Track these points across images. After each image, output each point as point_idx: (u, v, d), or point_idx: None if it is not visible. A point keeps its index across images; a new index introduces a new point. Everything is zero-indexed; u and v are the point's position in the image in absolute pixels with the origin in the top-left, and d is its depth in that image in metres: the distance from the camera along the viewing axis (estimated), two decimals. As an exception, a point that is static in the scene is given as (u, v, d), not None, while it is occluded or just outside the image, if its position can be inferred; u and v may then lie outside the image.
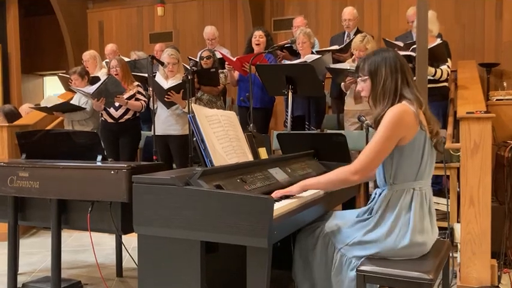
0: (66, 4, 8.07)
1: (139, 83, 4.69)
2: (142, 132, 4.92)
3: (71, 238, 4.37)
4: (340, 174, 2.01)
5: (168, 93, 4.19)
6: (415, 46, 4.27)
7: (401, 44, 4.66)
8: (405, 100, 1.98)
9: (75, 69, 4.99)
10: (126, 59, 5.22)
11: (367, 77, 2.05)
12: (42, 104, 5.10)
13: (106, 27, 8.49)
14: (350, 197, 3.08)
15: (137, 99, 4.54)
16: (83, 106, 4.79)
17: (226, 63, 4.86)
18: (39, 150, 3.03)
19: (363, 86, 2.08)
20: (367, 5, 6.68)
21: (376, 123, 2.01)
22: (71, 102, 4.89)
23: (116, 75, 4.51)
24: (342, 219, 2.17)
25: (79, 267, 3.66)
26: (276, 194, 2.05)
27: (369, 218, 2.05)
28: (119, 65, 4.54)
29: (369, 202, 2.13)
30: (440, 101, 4.38)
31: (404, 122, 1.93)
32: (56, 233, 2.76)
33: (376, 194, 2.09)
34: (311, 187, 2.14)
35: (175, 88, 4.16)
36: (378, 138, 1.93)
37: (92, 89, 4.44)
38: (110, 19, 8.47)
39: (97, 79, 5.02)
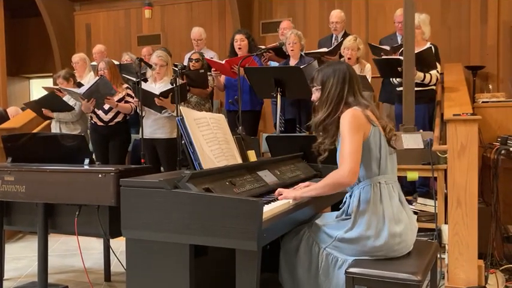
0: (53, 6, 7.99)
1: (129, 85, 4.66)
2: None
3: (58, 242, 4.32)
4: (334, 178, 2.05)
5: (158, 98, 4.15)
6: (402, 49, 4.32)
7: (387, 47, 4.69)
8: (352, 106, 2.11)
9: (59, 73, 4.96)
10: (116, 63, 5.17)
11: (319, 87, 2.19)
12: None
13: (93, 30, 8.42)
14: (339, 199, 3.09)
15: (127, 102, 4.52)
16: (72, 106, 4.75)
17: (213, 69, 4.85)
18: (26, 153, 2.99)
19: (316, 95, 2.22)
20: (354, 7, 6.72)
21: (317, 126, 2.17)
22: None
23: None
24: (323, 220, 2.23)
25: (66, 272, 3.62)
26: (277, 193, 2.16)
27: (346, 218, 2.12)
28: (106, 67, 4.51)
29: (341, 205, 2.21)
30: (427, 103, 4.42)
31: (358, 119, 2.06)
32: (43, 238, 2.73)
33: (346, 196, 2.18)
34: (309, 194, 2.15)
35: (164, 93, 4.13)
36: (348, 140, 2.03)
37: (83, 89, 4.41)
38: (97, 22, 8.41)
39: (81, 86, 4.98)
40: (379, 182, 2.08)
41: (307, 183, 2.35)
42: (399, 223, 2.05)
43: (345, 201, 2.18)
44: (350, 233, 2.05)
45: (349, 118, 2.05)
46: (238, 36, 4.88)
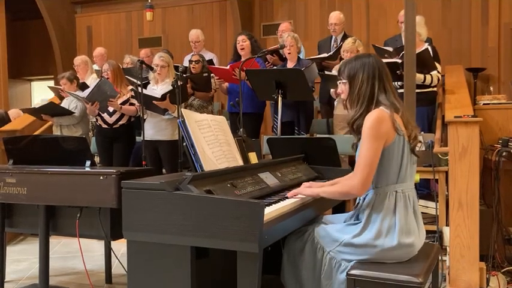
0: (54, 9, 8.01)
1: (133, 87, 4.66)
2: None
3: (59, 245, 4.32)
4: (345, 187, 2.06)
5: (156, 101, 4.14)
6: (403, 52, 4.31)
7: (390, 49, 4.68)
8: (381, 105, 2.04)
9: (63, 74, 4.97)
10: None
11: (346, 81, 2.12)
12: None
13: (94, 32, 8.44)
14: (340, 201, 3.09)
15: (131, 104, 4.51)
16: (72, 110, 4.76)
17: (216, 77, 4.85)
18: (27, 155, 3.00)
19: (343, 88, 2.15)
20: (355, 9, 6.73)
21: (351, 126, 2.10)
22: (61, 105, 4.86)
23: (107, 78, 4.48)
24: (331, 223, 2.21)
25: (67, 274, 3.62)
26: (290, 194, 2.19)
27: (356, 223, 2.09)
28: (110, 69, 4.51)
29: (353, 207, 2.18)
30: (427, 105, 4.42)
31: (383, 126, 1.98)
32: (44, 240, 2.73)
33: (360, 199, 2.13)
34: (321, 195, 2.18)
35: (163, 96, 4.12)
36: (365, 147, 1.98)
37: (85, 92, 4.41)
38: (99, 24, 8.43)
39: (85, 86, 4.98)
40: (396, 191, 2.03)
41: (310, 183, 2.34)
42: (410, 235, 2.01)
43: (358, 203, 2.13)
44: (358, 238, 2.02)
45: (371, 122, 1.97)
46: (240, 38, 4.88)
